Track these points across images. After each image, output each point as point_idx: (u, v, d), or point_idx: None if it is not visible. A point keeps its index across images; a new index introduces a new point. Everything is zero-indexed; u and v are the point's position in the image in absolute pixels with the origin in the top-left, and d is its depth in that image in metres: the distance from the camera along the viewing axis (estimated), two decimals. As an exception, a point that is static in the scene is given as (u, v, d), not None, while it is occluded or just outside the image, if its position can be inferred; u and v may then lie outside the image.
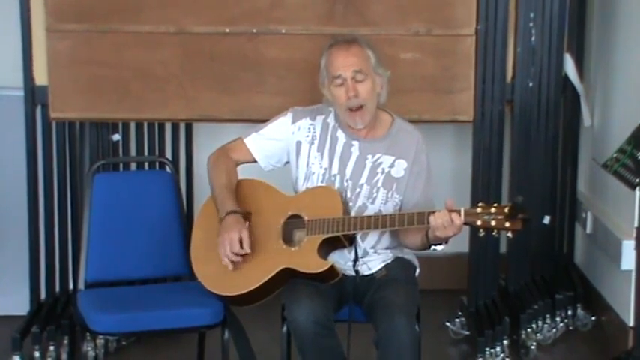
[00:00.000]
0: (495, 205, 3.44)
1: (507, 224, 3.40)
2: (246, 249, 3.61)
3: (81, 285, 4.04)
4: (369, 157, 3.75)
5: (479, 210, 3.44)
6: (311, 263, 3.58)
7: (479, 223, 3.43)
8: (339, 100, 3.69)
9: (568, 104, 4.83)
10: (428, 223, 3.48)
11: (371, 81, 3.68)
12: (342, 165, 3.75)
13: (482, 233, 3.47)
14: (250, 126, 3.95)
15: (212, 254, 3.74)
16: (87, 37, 4.41)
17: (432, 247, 3.60)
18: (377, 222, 3.57)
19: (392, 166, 3.74)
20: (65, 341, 4.46)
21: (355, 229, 3.60)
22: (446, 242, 3.55)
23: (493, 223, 3.41)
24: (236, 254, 3.62)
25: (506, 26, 4.51)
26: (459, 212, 3.44)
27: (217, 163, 3.84)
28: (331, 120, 3.80)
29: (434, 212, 3.47)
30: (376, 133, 3.78)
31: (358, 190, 3.74)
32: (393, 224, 3.56)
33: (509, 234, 3.45)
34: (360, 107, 3.67)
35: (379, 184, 3.73)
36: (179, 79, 4.44)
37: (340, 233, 3.60)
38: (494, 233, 3.46)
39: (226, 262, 3.64)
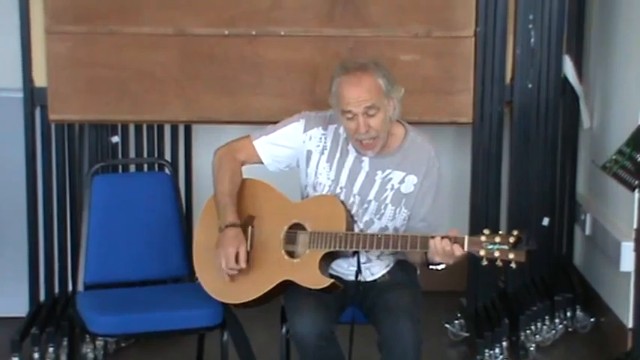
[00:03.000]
0: (500, 233, 3.37)
1: (511, 255, 3.32)
2: (242, 265, 3.58)
3: (80, 287, 4.04)
4: (379, 172, 3.67)
5: (483, 238, 3.36)
6: (312, 279, 3.55)
7: (482, 253, 3.35)
8: (349, 131, 3.60)
9: (567, 106, 4.83)
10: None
11: (383, 111, 3.57)
12: (351, 179, 3.68)
13: (485, 263, 3.38)
14: (252, 128, 3.92)
15: (213, 257, 3.73)
16: (86, 39, 4.40)
17: (431, 267, 3.53)
18: (379, 242, 3.51)
19: (402, 181, 3.67)
20: (64, 343, 4.45)
21: (357, 246, 3.54)
22: (445, 265, 3.49)
23: (497, 253, 3.34)
24: (232, 269, 3.60)
25: (506, 28, 4.51)
26: (462, 240, 3.38)
27: (222, 164, 3.76)
28: (342, 131, 3.70)
29: (435, 237, 3.41)
30: (388, 148, 3.67)
31: (366, 205, 3.68)
32: (395, 245, 3.49)
33: (513, 265, 3.35)
34: (372, 139, 3.60)
35: (387, 201, 3.67)
36: (178, 81, 4.44)
37: (342, 249, 3.56)
38: (497, 263, 3.36)
39: (224, 275, 3.62)
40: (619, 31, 4.66)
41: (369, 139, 3.59)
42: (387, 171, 3.67)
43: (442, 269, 3.52)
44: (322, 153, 3.72)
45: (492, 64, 4.53)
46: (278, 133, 3.77)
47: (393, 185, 3.67)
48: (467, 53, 4.46)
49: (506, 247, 3.33)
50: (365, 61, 3.64)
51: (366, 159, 3.68)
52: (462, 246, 3.38)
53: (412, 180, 3.67)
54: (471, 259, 4.60)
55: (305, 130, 3.75)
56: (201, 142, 4.96)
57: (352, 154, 3.70)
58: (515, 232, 3.36)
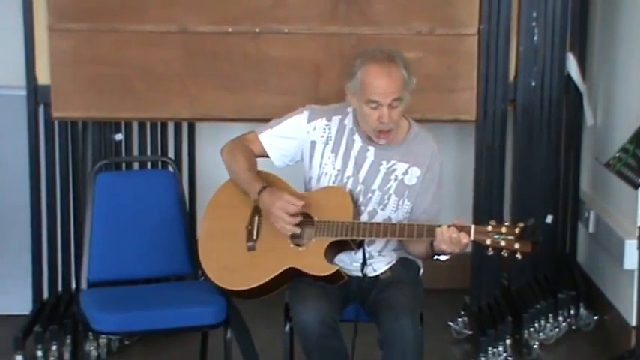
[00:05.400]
0: (506, 224, 3.42)
1: (517, 245, 3.38)
2: (299, 203, 3.56)
3: (83, 284, 4.04)
4: (384, 162, 3.71)
5: (489, 228, 3.41)
6: (317, 266, 3.58)
7: (488, 242, 3.41)
8: (370, 120, 3.62)
9: (570, 103, 4.82)
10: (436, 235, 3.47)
11: (404, 103, 3.62)
12: (356, 169, 3.71)
13: (490, 252, 3.43)
14: (255, 125, 3.93)
15: (220, 246, 3.74)
16: (89, 36, 4.41)
17: (436, 256, 3.57)
18: (386, 230, 3.55)
19: (405, 173, 3.71)
20: (68, 341, 4.45)
21: (364, 235, 3.58)
22: (450, 254, 3.52)
23: (503, 243, 3.39)
24: (293, 217, 3.58)
25: (509, 26, 4.51)
26: (469, 229, 3.43)
27: (234, 151, 3.78)
28: (349, 122, 3.74)
29: (442, 225, 3.45)
30: (393, 139, 3.71)
31: (370, 195, 3.71)
32: (402, 234, 3.54)
33: (518, 255, 3.40)
34: (390, 130, 3.63)
35: (391, 191, 3.70)
36: (182, 78, 4.44)
37: (348, 238, 3.58)
38: (503, 253, 3.42)
39: (291, 230, 3.59)
40: (622, 29, 4.65)
41: (388, 129, 3.62)
42: (392, 162, 3.71)
43: (446, 260, 3.56)
44: (327, 144, 3.75)
45: (496, 61, 4.53)
46: (282, 125, 3.80)
47: (397, 176, 3.71)
48: (470, 51, 4.46)
49: (511, 237, 3.38)
50: (391, 51, 3.67)
51: (371, 149, 3.71)
52: (469, 234, 3.42)
53: (415, 172, 3.70)
54: (475, 257, 4.65)
55: (309, 121, 3.77)
56: (205, 140, 4.96)
57: (358, 144, 3.72)
58: (521, 224, 3.39)
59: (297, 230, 3.61)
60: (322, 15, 4.41)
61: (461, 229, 3.42)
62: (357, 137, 3.73)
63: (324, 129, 3.76)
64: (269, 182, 3.70)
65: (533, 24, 4.54)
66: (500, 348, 4.46)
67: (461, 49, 4.45)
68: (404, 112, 3.67)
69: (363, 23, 4.40)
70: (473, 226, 3.44)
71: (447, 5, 4.41)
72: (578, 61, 4.70)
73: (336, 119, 3.76)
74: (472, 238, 3.42)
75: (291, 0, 4.40)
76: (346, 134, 3.74)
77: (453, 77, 4.46)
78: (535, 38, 4.55)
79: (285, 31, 4.41)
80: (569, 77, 4.70)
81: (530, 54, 4.57)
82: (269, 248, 3.66)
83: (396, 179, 3.70)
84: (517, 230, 3.38)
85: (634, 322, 4.37)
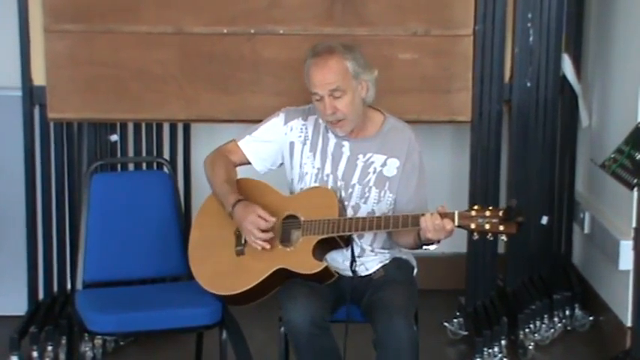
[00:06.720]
0: (490, 207, 3.42)
1: (502, 227, 3.37)
2: (270, 218, 3.60)
3: (79, 285, 4.04)
4: (360, 156, 3.74)
5: (473, 213, 3.41)
6: (305, 264, 3.59)
7: (473, 226, 3.41)
8: (320, 113, 3.70)
9: (566, 104, 4.83)
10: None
11: (350, 93, 3.64)
12: (334, 165, 3.75)
13: (476, 237, 3.44)
14: (246, 127, 3.94)
15: (209, 253, 3.75)
16: (85, 37, 4.41)
17: (424, 246, 3.58)
18: (372, 223, 3.57)
19: (384, 164, 3.73)
20: (63, 341, 4.45)
21: (350, 230, 3.59)
22: (438, 242, 3.53)
23: (487, 226, 3.39)
24: (265, 232, 3.60)
25: (504, 26, 4.52)
26: (452, 215, 3.43)
27: (214, 162, 3.83)
28: (322, 121, 3.77)
29: (425, 214, 3.46)
30: (366, 132, 3.76)
31: (350, 190, 3.73)
32: (387, 226, 3.55)
33: (504, 237, 3.41)
34: (339, 121, 3.67)
35: (371, 184, 3.73)
36: (177, 80, 4.44)
37: (335, 234, 3.59)
38: (488, 237, 3.42)
39: (261, 245, 3.61)
40: (617, 30, 4.66)
41: (336, 120, 3.66)
42: (368, 155, 3.74)
43: (435, 249, 3.57)
44: (304, 143, 3.79)
45: (491, 62, 4.53)
46: (260, 130, 3.85)
47: (375, 168, 3.73)
48: (466, 52, 4.46)
49: (496, 220, 3.38)
50: (334, 44, 3.72)
51: (346, 144, 3.75)
52: (453, 220, 3.42)
53: (394, 163, 3.73)
54: (470, 257, 4.65)
55: (285, 122, 3.82)
56: (200, 141, 4.96)
57: (333, 141, 3.76)
58: (504, 206, 3.40)
59: (268, 246, 3.62)
60: (318, 16, 4.41)
61: (444, 215, 3.42)
62: (331, 134, 3.76)
63: (301, 129, 3.80)
64: (249, 191, 3.74)
65: (529, 25, 4.54)
66: (496, 349, 4.46)
67: (456, 49, 4.45)
68: (370, 99, 3.70)
69: (359, 24, 4.40)
70: (456, 212, 3.43)
71: (442, 6, 4.42)
72: (573, 62, 4.71)
73: (311, 119, 3.80)
74: (456, 223, 3.42)
75: (287, 1, 4.40)
76: (321, 132, 3.78)
77: (448, 78, 4.46)
78: (530, 39, 4.56)
79: (281, 32, 4.42)
80: (564, 78, 4.71)
81: (526, 55, 4.57)
82: (258, 252, 3.66)
83: (374, 171, 3.73)
84: (501, 213, 3.37)
85: (629, 323, 4.37)
